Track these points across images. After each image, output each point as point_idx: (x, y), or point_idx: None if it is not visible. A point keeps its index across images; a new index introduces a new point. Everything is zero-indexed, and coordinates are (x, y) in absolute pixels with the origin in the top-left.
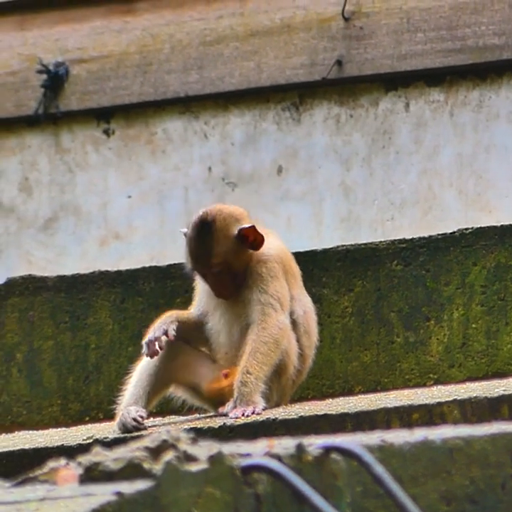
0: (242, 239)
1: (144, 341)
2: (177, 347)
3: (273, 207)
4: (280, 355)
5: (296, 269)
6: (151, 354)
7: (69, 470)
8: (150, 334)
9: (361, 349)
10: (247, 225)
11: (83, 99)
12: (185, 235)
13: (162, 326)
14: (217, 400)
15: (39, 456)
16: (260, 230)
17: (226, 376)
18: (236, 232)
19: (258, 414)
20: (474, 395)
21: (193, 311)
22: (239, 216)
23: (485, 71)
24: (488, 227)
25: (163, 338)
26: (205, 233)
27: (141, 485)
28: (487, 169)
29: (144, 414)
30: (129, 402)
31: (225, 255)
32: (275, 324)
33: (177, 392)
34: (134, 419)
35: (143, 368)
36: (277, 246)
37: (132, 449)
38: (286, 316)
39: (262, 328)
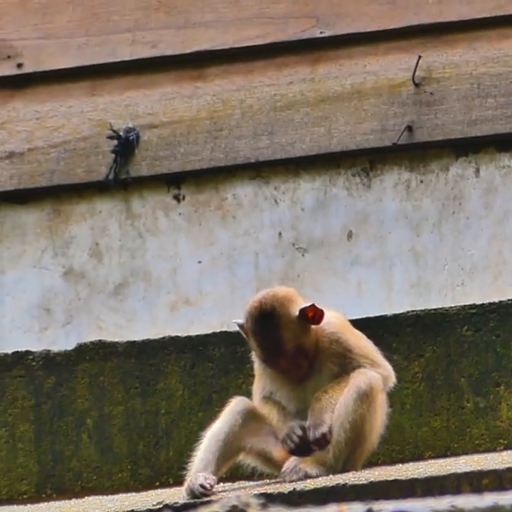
0: (303, 317)
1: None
2: (247, 414)
3: (343, 272)
4: (365, 412)
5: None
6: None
7: None
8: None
9: (431, 414)
10: (307, 305)
11: (154, 164)
12: (240, 326)
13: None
14: None
15: None
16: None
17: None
18: (297, 312)
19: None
20: None
21: (256, 394)
22: (293, 297)
23: None
24: None
25: (207, 484)
26: (269, 324)
27: None
28: None
29: (213, 482)
30: (198, 468)
31: (295, 338)
32: (366, 379)
33: (247, 460)
34: (202, 486)
35: (213, 434)
36: (337, 317)
37: None
38: (378, 373)
39: (351, 376)
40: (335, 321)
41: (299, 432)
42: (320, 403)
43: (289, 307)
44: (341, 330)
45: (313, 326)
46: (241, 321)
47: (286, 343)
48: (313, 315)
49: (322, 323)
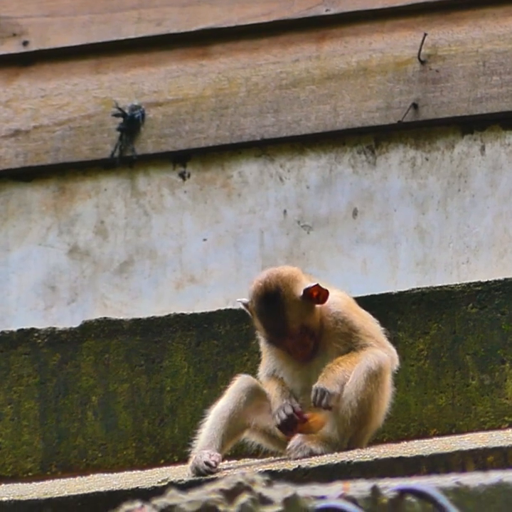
0: (308, 297)
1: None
2: (252, 391)
3: (348, 250)
4: (373, 390)
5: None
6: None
7: None
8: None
9: (436, 392)
10: (312, 284)
11: (159, 142)
12: (244, 305)
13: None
14: None
15: (114, 498)
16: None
17: (306, 420)
18: (301, 292)
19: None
20: None
21: (261, 372)
22: (297, 276)
23: None
24: None
25: (212, 461)
26: (274, 304)
27: None
28: None
29: (217, 459)
30: (203, 446)
31: (300, 318)
32: (376, 359)
33: (251, 437)
34: (206, 463)
35: (218, 411)
36: (342, 296)
37: (207, 491)
38: (384, 352)
39: (361, 353)
40: (340, 301)
41: (289, 410)
42: (334, 373)
43: (293, 287)
44: (347, 310)
45: (318, 306)
46: (245, 299)
47: (291, 323)
48: (317, 294)
49: (328, 303)
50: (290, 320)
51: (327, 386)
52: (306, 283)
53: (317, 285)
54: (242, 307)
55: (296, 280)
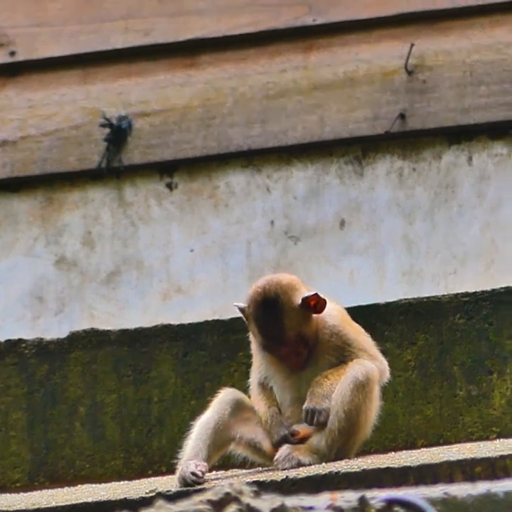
0: (306, 305)
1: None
2: (237, 404)
3: (336, 260)
4: (362, 401)
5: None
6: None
7: None
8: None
9: (424, 402)
10: (310, 293)
11: (146, 152)
12: (241, 310)
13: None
14: None
15: (102, 509)
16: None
17: (294, 435)
18: (300, 301)
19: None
20: None
21: (253, 378)
22: (297, 284)
23: None
24: None
25: (198, 471)
26: (272, 312)
27: None
28: None
29: (204, 469)
30: (189, 456)
31: (297, 326)
32: (363, 370)
33: (237, 450)
34: (193, 473)
35: (203, 423)
36: (338, 309)
37: (195, 502)
38: (375, 365)
39: (349, 365)
40: (336, 314)
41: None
42: (322, 388)
43: (292, 295)
44: (342, 323)
45: (314, 315)
46: (242, 304)
47: (288, 330)
48: (315, 304)
49: (324, 315)
50: (287, 327)
51: (317, 405)
52: (304, 292)
53: (316, 294)
54: (238, 312)
55: (295, 288)
